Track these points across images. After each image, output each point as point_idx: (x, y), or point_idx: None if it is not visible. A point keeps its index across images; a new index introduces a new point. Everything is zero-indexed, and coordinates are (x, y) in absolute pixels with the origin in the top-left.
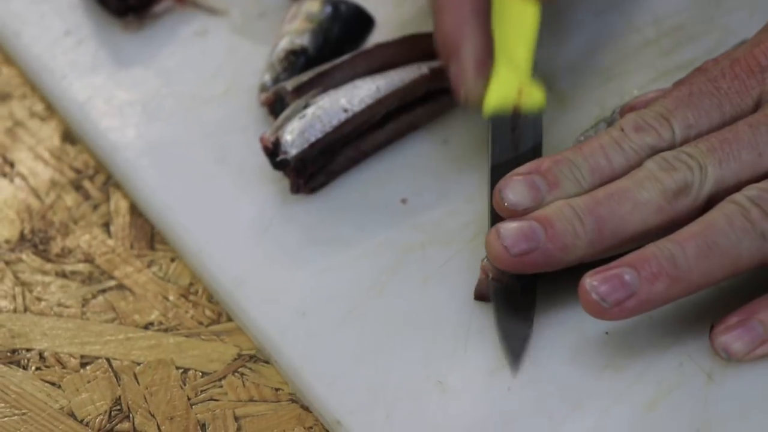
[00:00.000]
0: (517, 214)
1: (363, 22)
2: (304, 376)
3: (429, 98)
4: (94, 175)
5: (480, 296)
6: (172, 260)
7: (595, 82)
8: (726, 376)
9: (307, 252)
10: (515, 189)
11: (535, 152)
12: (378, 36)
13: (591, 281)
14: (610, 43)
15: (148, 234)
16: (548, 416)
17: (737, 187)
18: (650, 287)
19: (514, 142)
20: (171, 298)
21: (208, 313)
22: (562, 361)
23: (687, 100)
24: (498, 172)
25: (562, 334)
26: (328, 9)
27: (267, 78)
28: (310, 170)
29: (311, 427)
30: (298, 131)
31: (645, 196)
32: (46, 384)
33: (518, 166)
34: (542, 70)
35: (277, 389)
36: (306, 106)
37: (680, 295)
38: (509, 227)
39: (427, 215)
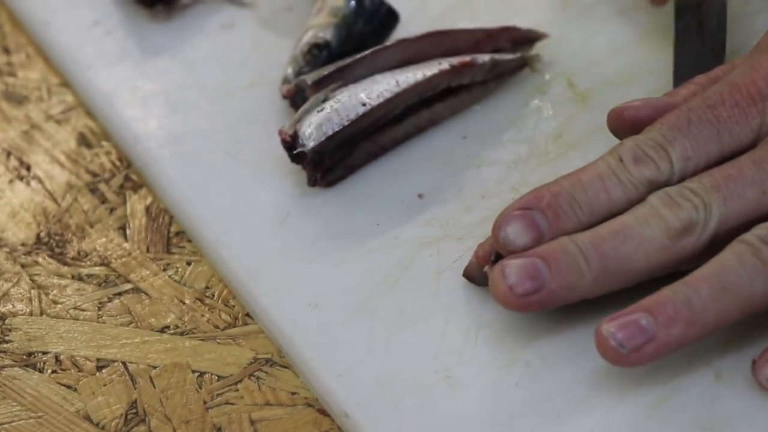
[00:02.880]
0: (516, 252)
1: (388, 17)
2: (313, 368)
3: (449, 94)
4: (110, 178)
5: (468, 277)
6: (188, 263)
7: (618, 83)
8: (735, 376)
9: (323, 244)
10: (515, 228)
11: (719, 29)
12: (402, 31)
13: (608, 328)
14: (634, 45)
15: (165, 237)
16: (555, 413)
17: (741, 226)
18: (667, 331)
19: (699, 18)
20: (187, 301)
21: (224, 316)
22: (570, 358)
23: (686, 130)
24: (682, 48)
25: (570, 332)
26: (353, 3)
27: (290, 71)
28: (327, 163)
29: (327, 431)
30: (316, 124)
31: (649, 234)
32: (62, 387)
33: (703, 44)
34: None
35: (293, 393)
36: (325, 100)
37: (697, 338)
38: (513, 265)
39: (442, 210)
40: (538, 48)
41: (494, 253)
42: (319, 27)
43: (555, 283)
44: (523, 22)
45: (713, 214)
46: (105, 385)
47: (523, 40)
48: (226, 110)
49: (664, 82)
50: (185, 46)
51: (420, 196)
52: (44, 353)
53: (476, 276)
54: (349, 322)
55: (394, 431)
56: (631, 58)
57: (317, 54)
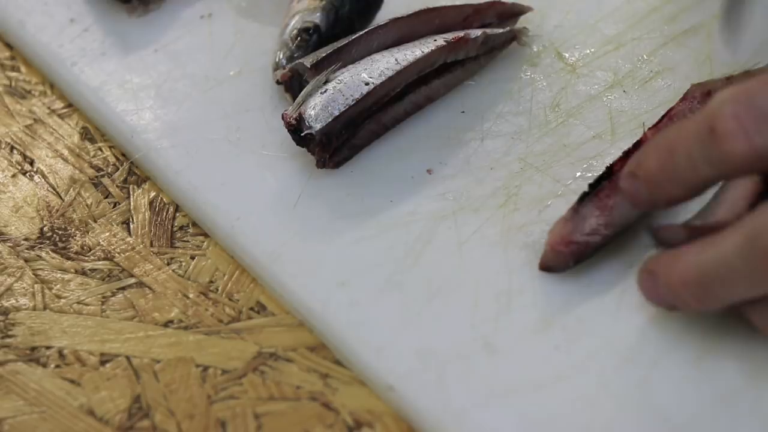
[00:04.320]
0: None
1: None
2: (351, 344)
3: (444, 70)
4: (113, 172)
5: (546, 267)
6: (192, 258)
7: (606, 50)
8: None
9: (338, 224)
10: None
11: None
12: (385, 12)
13: None
14: (616, 12)
15: (168, 231)
16: (598, 371)
17: None
18: None
19: None
20: (191, 295)
21: (228, 310)
22: (606, 317)
23: None
24: None
25: (604, 292)
26: None
27: (280, 56)
28: (334, 144)
29: (332, 425)
30: (321, 106)
31: None
32: (66, 381)
33: None
34: (552, 40)
35: (297, 387)
36: (327, 81)
37: None
38: None
39: (453, 184)
40: (523, 21)
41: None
42: (306, 11)
43: None
44: None
45: None
46: (108, 379)
47: (508, 14)
48: (219, 99)
49: (651, 47)
50: (167, 39)
51: (429, 171)
52: (48, 348)
53: (555, 265)
54: (379, 297)
55: (442, 400)
56: (614, 27)
57: (307, 38)
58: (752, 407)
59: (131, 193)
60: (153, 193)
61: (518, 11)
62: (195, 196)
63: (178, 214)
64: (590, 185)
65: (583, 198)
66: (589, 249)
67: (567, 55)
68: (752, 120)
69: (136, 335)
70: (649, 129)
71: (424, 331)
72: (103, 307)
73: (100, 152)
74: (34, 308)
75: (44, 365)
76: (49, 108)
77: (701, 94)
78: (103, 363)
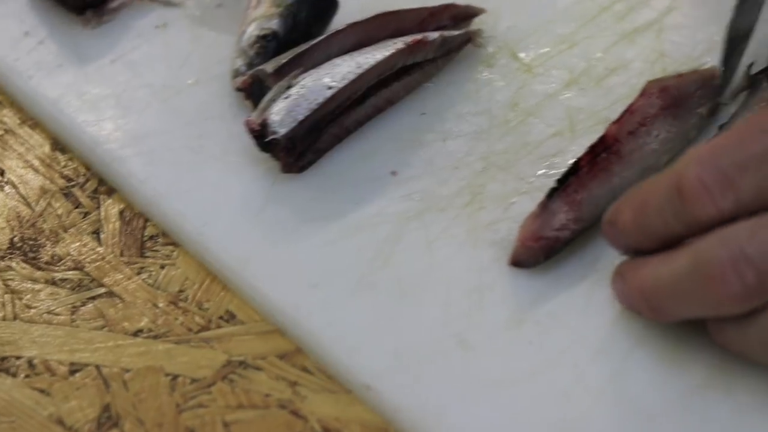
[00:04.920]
0: None
1: (328, 3)
2: (326, 345)
3: (404, 73)
4: (84, 183)
5: (517, 263)
6: (162, 267)
7: (560, 49)
8: None
9: (306, 228)
10: None
11: None
12: (341, 17)
13: None
14: (567, 12)
15: (138, 241)
16: (572, 365)
17: None
18: None
19: None
20: (161, 304)
21: (197, 319)
22: (578, 311)
23: None
24: None
25: (575, 286)
26: None
27: (239, 63)
28: (298, 149)
29: None
30: (285, 111)
31: None
32: (35, 391)
33: None
34: (506, 41)
35: (266, 395)
36: (289, 87)
37: None
38: None
39: (418, 184)
40: (477, 23)
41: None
42: (264, 18)
43: None
44: (454, 1)
45: None
46: (78, 389)
47: (462, 16)
48: (179, 107)
49: (604, 45)
50: (123, 49)
51: (393, 173)
52: (17, 358)
53: (526, 260)
54: (351, 298)
55: (419, 398)
56: (567, 26)
57: (266, 45)
58: (722, 397)
59: (101, 203)
60: (123, 204)
61: (472, 13)
62: (161, 204)
63: (148, 224)
64: (558, 181)
65: (552, 194)
66: (558, 244)
67: (522, 55)
68: (716, 184)
69: (106, 345)
70: (612, 124)
71: (398, 330)
72: (73, 316)
73: (70, 162)
74: (4, 318)
75: (14, 375)
76: (19, 118)
77: (658, 89)
78: (72, 372)
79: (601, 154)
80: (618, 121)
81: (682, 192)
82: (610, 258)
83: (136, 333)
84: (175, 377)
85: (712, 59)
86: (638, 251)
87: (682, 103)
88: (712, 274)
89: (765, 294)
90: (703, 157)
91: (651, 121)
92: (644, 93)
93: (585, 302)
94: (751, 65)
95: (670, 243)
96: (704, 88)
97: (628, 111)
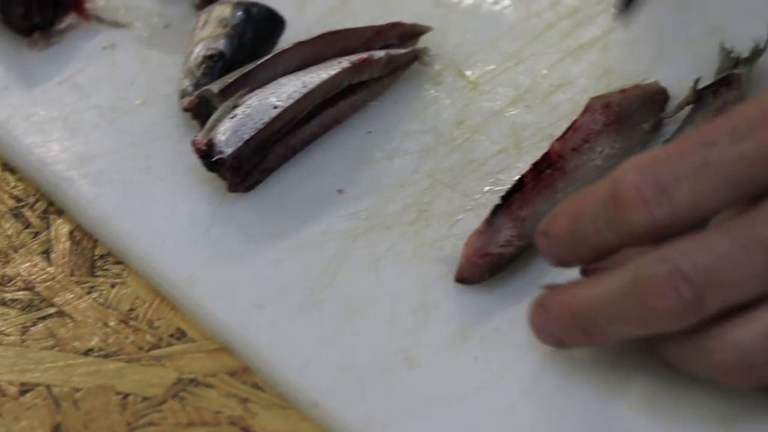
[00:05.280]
0: None
1: (274, 23)
2: (273, 364)
3: (349, 92)
4: (34, 203)
5: (462, 279)
6: (113, 286)
7: (506, 67)
8: None
9: (253, 247)
10: None
11: None
12: (288, 37)
13: None
14: (513, 30)
15: (89, 260)
16: (518, 379)
17: None
18: None
19: None
20: (111, 323)
21: (148, 338)
22: (523, 326)
23: None
24: None
25: (519, 302)
26: (240, 13)
27: (186, 84)
28: (245, 168)
29: None
30: (231, 130)
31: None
32: None
33: None
34: (452, 59)
35: (217, 412)
36: (235, 106)
37: None
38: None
39: (365, 203)
40: (424, 42)
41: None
42: (210, 39)
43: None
44: (400, 19)
45: None
46: (28, 409)
47: (409, 34)
48: (127, 128)
49: (550, 62)
50: (71, 71)
51: (340, 191)
52: None
53: (471, 276)
54: (298, 317)
55: (366, 414)
56: (512, 44)
57: (212, 65)
58: (669, 412)
59: (51, 223)
60: (73, 224)
61: (418, 32)
62: (109, 224)
63: (98, 243)
64: (502, 197)
65: (496, 211)
66: (503, 260)
67: (468, 72)
68: (652, 193)
69: (57, 364)
70: (556, 141)
71: (344, 347)
72: (24, 337)
73: (20, 183)
74: None
75: None
76: None
77: (601, 106)
78: (23, 393)
79: (545, 171)
80: (562, 137)
81: (617, 199)
82: (555, 274)
83: (87, 352)
84: (125, 396)
85: (656, 75)
86: (570, 262)
87: (625, 119)
88: (650, 290)
89: (701, 310)
90: (642, 165)
91: (594, 137)
92: (587, 110)
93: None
94: (697, 80)
95: (602, 254)
96: (647, 104)
97: (572, 128)
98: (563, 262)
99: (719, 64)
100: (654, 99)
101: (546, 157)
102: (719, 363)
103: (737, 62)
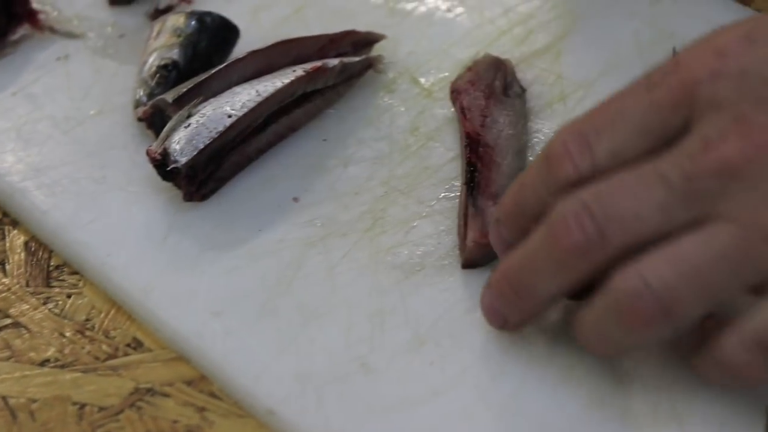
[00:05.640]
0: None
1: (228, 32)
2: (228, 372)
3: (304, 100)
4: None
5: (472, 264)
6: (69, 296)
7: (460, 73)
8: None
9: (209, 255)
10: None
11: None
12: (242, 46)
13: None
14: (467, 37)
15: (44, 271)
16: (474, 384)
17: None
18: None
19: None
20: (67, 334)
21: (105, 348)
22: (478, 331)
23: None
24: None
25: (474, 308)
26: (194, 22)
27: (141, 93)
28: (200, 177)
29: None
30: (186, 140)
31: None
32: None
33: None
34: (406, 66)
35: (174, 421)
36: (189, 116)
37: None
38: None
39: (320, 210)
40: (378, 49)
41: None
42: (164, 48)
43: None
44: (354, 28)
45: None
46: None
47: (363, 42)
48: (81, 139)
49: None
50: (24, 81)
51: (295, 199)
52: None
53: (481, 258)
54: (254, 324)
55: (322, 421)
56: (466, 51)
57: (166, 74)
58: (622, 411)
59: (6, 234)
60: (28, 234)
61: (372, 39)
62: (63, 235)
63: (53, 254)
64: (468, 181)
65: (472, 193)
66: None
67: (422, 80)
68: (577, 146)
69: (12, 375)
70: (466, 123)
71: (301, 354)
72: None
73: None
74: None
75: None
76: None
77: (468, 85)
78: None
79: (479, 149)
80: (465, 119)
81: (549, 158)
82: None
83: (43, 363)
84: (82, 406)
85: (608, 81)
86: (518, 238)
87: (491, 88)
88: (558, 229)
89: (605, 243)
90: (571, 123)
91: (487, 111)
92: (460, 92)
93: (485, 323)
94: None
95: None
96: (493, 70)
97: (465, 114)
98: (511, 246)
99: None
100: (496, 66)
101: (468, 136)
102: (622, 297)
103: None
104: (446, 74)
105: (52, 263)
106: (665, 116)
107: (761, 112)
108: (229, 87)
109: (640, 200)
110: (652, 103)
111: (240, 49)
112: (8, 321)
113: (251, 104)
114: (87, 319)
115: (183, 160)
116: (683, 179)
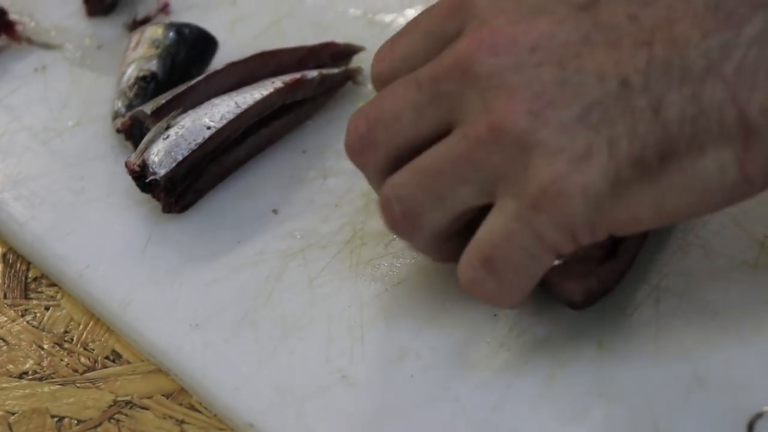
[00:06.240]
0: None
1: (207, 43)
2: (207, 385)
3: (283, 112)
4: None
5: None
6: (47, 308)
7: None
8: (614, 342)
9: (189, 267)
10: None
11: None
12: (221, 58)
13: None
14: None
15: (22, 283)
16: (454, 397)
17: None
18: None
19: None
20: (46, 346)
21: (83, 360)
22: (458, 344)
23: None
24: None
25: (456, 322)
26: (172, 34)
27: (119, 105)
28: (179, 189)
29: None
30: (165, 151)
31: None
32: None
33: None
34: None
35: None
36: (168, 127)
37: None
38: None
39: (300, 222)
40: (357, 61)
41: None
42: (143, 59)
43: None
44: (333, 39)
45: None
46: None
47: (341, 54)
48: (60, 150)
49: None
50: (2, 93)
51: (275, 211)
52: None
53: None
54: (233, 337)
55: None
56: None
57: (145, 86)
58: (604, 425)
59: None
60: (6, 246)
61: (351, 51)
62: (41, 247)
63: (31, 266)
64: None
65: None
66: None
67: None
68: (382, 50)
69: None
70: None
71: (280, 367)
72: None
73: None
74: None
75: None
76: None
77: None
78: None
79: None
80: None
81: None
82: None
83: (21, 375)
84: (61, 419)
85: None
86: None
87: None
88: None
89: (371, 143)
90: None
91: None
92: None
93: (466, 335)
94: None
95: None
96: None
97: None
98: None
99: None
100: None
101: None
102: (381, 205)
103: None
104: None
105: (30, 275)
106: (442, 22)
107: (499, 17)
108: (208, 99)
109: (399, 101)
110: (438, 8)
111: (218, 61)
112: None
113: (230, 116)
114: (65, 332)
115: (162, 171)
116: (430, 80)
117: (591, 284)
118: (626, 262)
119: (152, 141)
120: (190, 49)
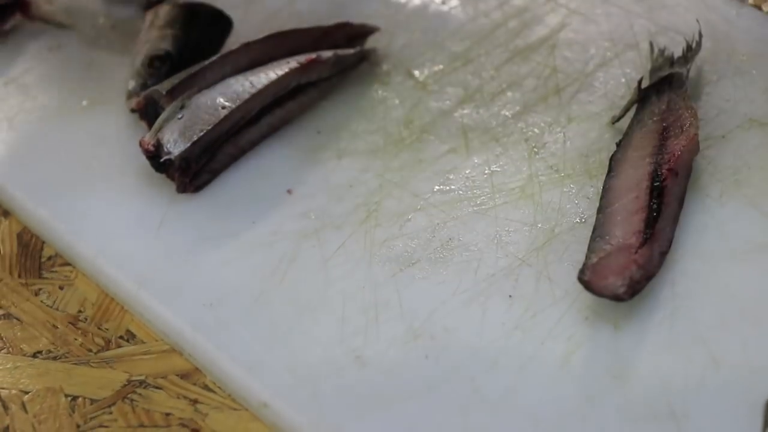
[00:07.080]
0: None
1: (222, 23)
2: (221, 365)
3: (298, 92)
4: None
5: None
6: (61, 288)
7: (454, 67)
8: (631, 324)
9: (203, 247)
10: None
11: None
12: (235, 38)
13: None
14: (461, 30)
15: (37, 263)
16: (468, 378)
17: None
18: None
19: None
20: (59, 325)
21: (97, 340)
22: (473, 325)
23: None
24: None
25: (469, 302)
26: (187, 13)
27: (133, 84)
28: (193, 169)
29: None
30: (179, 131)
31: None
32: None
33: None
34: (401, 59)
35: (167, 414)
36: (183, 107)
37: None
38: None
39: (314, 202)
40: (372, 42)
41: None
42: (157, 39)
43: None
44: (348, 20)
45: None
46: None
47: (357, 35)
48: (74, 130)
49: (498, 62)
50: (16, 72)
51: (289, 191)
52: None
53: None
54: (247, 317)
55: (317, 414)
56: (461, 44)
57: (159, 65)
58: (619, 407)
59: None
60: (21, 225)
61: (366, 32)
62: (56, 227)
63: (45, 245)
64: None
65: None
66: None
67: (417, 72)
68: None
69: (5, 366)
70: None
71: (295, 347)
72: None
73: None
74: None
75: None
76: None
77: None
78: None
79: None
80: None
81: None
82: (501, 274)
83: (35, 354)
84: (74, 398)
85: (603, 74)
86: None
87: None
88: None
89: None
90: None
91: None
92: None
93: (480, 316)
94: (640, 80)
95: None
96: None
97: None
98: None
99: (651, 63)
100: None
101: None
102: None
103: (672, 61)
104: (440, 67)
105: (44, 254)
106: None
107: None
108: (222, 78)
109: None
110: None
111: (233, 41)
112: (0, 312)
113: (245, 96)
114: (79, 311)
115: (176, 151)
116: None
117: (632, 273)
118: (666, 242)
119: (167, 120)
120: (205, 28)
